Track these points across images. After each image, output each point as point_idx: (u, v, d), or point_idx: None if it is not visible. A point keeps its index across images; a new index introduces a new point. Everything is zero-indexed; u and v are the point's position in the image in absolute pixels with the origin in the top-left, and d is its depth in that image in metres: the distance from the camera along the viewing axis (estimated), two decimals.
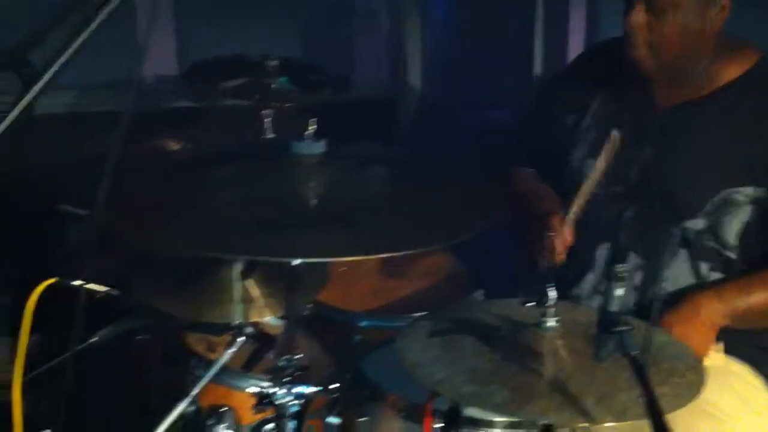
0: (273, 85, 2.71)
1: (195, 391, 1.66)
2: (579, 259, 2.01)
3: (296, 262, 1.48)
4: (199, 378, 1.71)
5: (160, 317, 1.79)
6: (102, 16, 1.48)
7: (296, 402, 1.54)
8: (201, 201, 1.53)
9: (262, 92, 2.71)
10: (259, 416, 1.76)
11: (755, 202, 1.90)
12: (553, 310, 1.51)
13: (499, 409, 1.41)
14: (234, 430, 1.74)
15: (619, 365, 1.45)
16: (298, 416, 1.52)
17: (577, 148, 2.08)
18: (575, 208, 1.86)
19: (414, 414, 1.74)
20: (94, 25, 1.46)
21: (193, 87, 3.03)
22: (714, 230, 1.91)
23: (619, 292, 1.33)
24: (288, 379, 1.49)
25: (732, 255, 1.94)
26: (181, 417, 1.71)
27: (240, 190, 1.53)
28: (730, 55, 1.95)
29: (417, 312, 1.94)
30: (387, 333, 1.94)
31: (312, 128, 1.50)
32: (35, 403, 1.70)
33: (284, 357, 1.47)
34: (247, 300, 1.63)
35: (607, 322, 1.33)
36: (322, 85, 2.78)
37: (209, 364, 1.73)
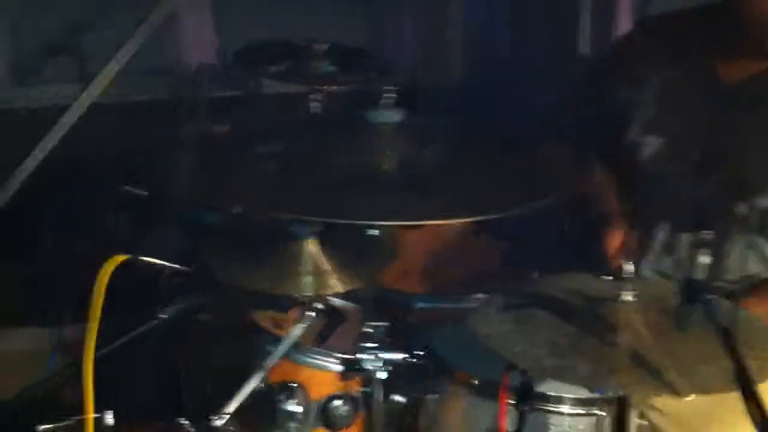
0: (319, 69, 2.71)
1: (268, 366, 1.67)
2: (638, 239, 2.00)
3: (373, 231, 1.47)
4: (269, 353, 1.72)
5: (226, 294, 1.79)
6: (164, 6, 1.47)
7: (384, 368, 1.53)
8: (280, 168, 1.53)
9: (309, 76, 2.71)
10: (328, 392, 1.77)
11: None
12: (629, 283, 1.51)
13: (582, 382, 1.41)
14: (303, 406, 1.74)
15: (699, 338, 1.46)
16: (387, 384, 1.51)
17: (634, 124, 2.06)
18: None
19: (483, 390, 1.76)
20: (156, 16, 1.46)
21: (238, 73, 3.04)
22: None
23: (705, 259, 1.32)
24: (375, 345, 1.48)
25: None
26: (251, 393, 1.72)
27: (315, 159, 1.53)
28: None
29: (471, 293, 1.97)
30: (442, 314, 1.95)
31: (389, 97, 1.50)
32: (100, 382, 1.70)
33: (370, 324, 1.46)
34: (319, 272, 1.63)
35: (692, 291, 1.33)
36: (368, 69, 2.78)
37: (277, 339, 1.74)
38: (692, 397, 1.35)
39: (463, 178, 1.52)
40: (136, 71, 3.22)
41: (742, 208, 1.92)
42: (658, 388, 1.36)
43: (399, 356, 1.51)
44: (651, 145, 1.99)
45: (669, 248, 1.97)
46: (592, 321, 1.50)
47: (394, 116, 1.53)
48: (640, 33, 2.27)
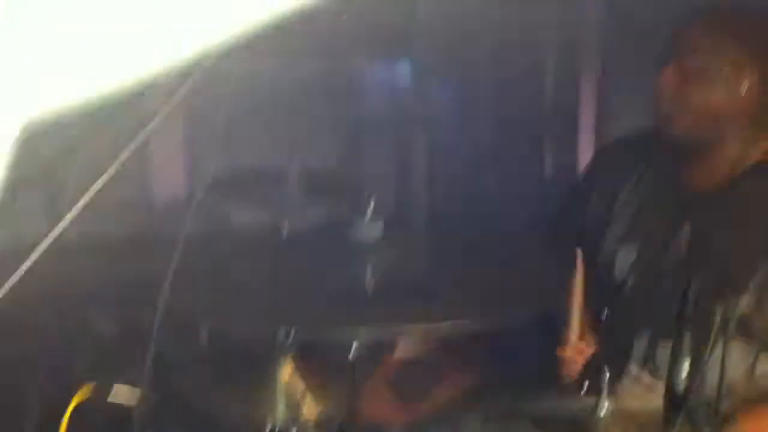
0: (290, 196, 2.75)
1: None
2: (618, 350, 1.99)
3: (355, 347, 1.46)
4: None
5: (202, 425, 1.75)
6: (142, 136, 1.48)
7: None
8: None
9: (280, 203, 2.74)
10: None
11: None
12: (606, 398, 1.50)
13: None
14: None
15: None
16: None
17: (608, 237, 2.08)
18: (574, 326, 1.86)
19: None
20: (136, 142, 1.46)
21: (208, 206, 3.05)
22: (763, 310, 1.88)
23: (686, 365, 1.32)
24: None
25: None
26: None
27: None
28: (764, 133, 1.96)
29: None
30: None
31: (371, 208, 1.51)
32: None
33: None
34: (295, 396, 1.59)
35: (676, 398, 1.31)
36: (341, 192, 2.81)
37: None
38: None
39: (447, 287, 1.52)
40: (105, 204, 3.20)
41: (718, 314, 1.93)
42: None
43: None
44: (626, 255, 2.01)
45: (649, 357, 1.97)
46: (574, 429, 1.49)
47: (375, 231, 1.54)
48: (603, 154, 2.34)
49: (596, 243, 2.09)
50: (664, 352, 1.96)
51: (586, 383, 1.49)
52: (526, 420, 1.55)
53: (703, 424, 1.28)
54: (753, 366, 1.87)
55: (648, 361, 1.99)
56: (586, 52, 3.09)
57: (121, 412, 1.80)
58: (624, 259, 2.03)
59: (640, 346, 2.00)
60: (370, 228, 1.55)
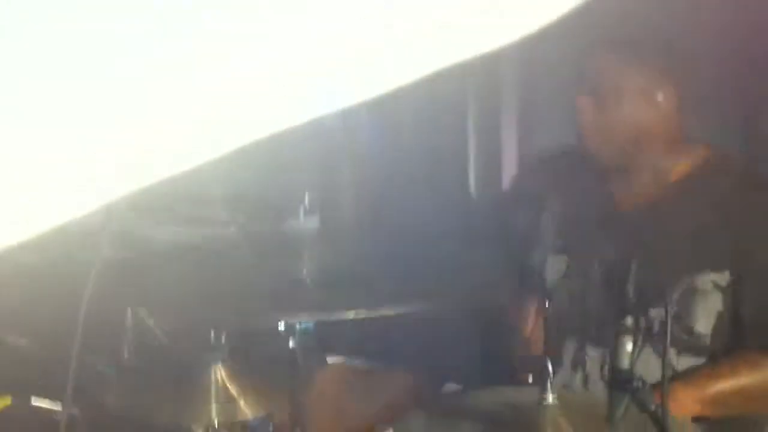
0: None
1: None
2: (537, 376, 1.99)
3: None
4: None
5: None
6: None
7: None
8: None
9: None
10: None
11: (720, 289, 1.93)
12: (551, 386, 1.48)
13: None
14: None
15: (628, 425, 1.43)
16: None
17: (538, 247, 2.11)
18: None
19: None
20: None
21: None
22: (681, 319, 1.92)
23: (629, 346, 1.31)
24: None
25: (703, 343, 1.95)
26: None
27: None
28: (685, 152, 2.02)
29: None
30: None
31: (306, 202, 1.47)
32: None
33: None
34: (228, 400, 1.53)
35: (620, 380, 1.31)
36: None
37: None
38: None
39: (385, 277, 1.49)
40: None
41: (640, 321, 1.95)
42: None
43: None
44: (554, 266, 2.02)
45: (577, 364, 1.98)
46: (520, 426, 1.47)
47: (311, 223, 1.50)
48: (528, 169, 2.37)
49: (526, 253, 2.12)
50: (591, 360, 2.00)
51: (531, 374, 1.47)
52: (473, 414, 1.51)
53: (648, 404, 1.27)
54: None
55: (577, 368, 2.00)
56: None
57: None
58: (553, 270, 2.05)
59: (569, 353, 2.02)
60: (305, 222, 1.51)
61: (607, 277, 2.00)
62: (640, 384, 1.29)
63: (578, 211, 2.08)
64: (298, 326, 1.37)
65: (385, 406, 1.97)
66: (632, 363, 1.32)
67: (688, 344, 1.92)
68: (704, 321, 1.92)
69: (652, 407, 1.26)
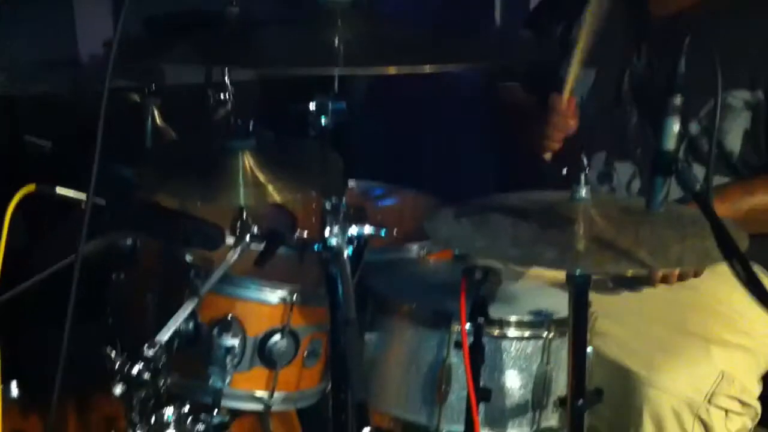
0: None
1: (201, 294, 1.53)
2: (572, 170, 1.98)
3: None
4: (197, 289, 1.57)
5: (151, 230, 1.65)
6: None
7: (351, 244, 1.39)
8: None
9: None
10: (265, 327, 1.63)
11: (751, 107, 1.91)
12: (584, 178, 1.46)
13: (552, 265, 1.34)
14: (239, 340, 1.60)
15: (663, 224, 1.42)
16: (356, 258, 1.37)
17: (565, 61, 2.05)
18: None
19: (427, 320, 1.67)
20: None
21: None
22: (711, 135, 1.90)
23: (676, 127, 1.27)
24: (340, 219, 1.34)
25: (732, 159, 1.93)
26: (184, 332, 1.57)
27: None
28: None
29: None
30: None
31: None
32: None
33: (331, 198, 1.32)
34: (256, 184, 1.51)
35: (663, 162, 1.27)
36: None
37: (208, 273, 1.60)
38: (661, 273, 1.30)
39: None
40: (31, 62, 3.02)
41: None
42: (630, 265, 1.31)
43: (366, 230, 1.38)
44: (584, 80, 1.99)
45: (605, 177, 1.96)
46: (551, 218, 1.45)
47: None
48: None
49: (555, 70, 2.06)
50: (618, 174, 1.99)
51: (565, 168, 1.44)
52: (501, 209, 1.49)
53: (693, 185, 1.24)
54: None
55: (604, 181, 1.99)
56: None
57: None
58: (582, 84, 2.01)
59: (597, 167, 1.99)
60: None
61: (637, 90, 1.96)
62: (685, 165, 1.26)
63: (609, 22, 1.97)
64: (330, 105, 1.33)
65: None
66: (678, 145, 1.28)
67: (718, 161, 1.90)
68: (733, 136, 1.90)
69: (697, 187, 1.23)
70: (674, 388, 1.76)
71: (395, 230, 1.47)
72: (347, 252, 1.31)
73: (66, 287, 1.46)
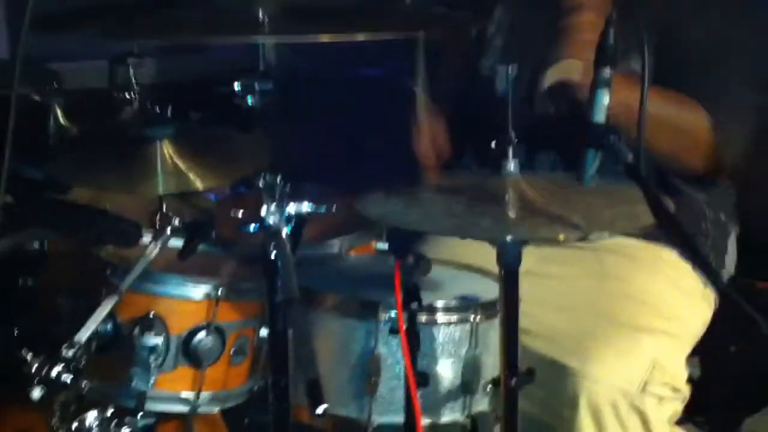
0: None
1: (122, 289, 1.45)
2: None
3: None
4: (116, 287, 1.50)
5: (64, 228, 1.56)
6: None
7: (290, 223, 1.34)
8: None
9: None
10: (190, 325, 1.57)
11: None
12: (512, 152, 1.46)
13: (487, 235, 1.33)
14: (162, 337, 1.53)
15: (593, 193, 1.43)
16: (294, 238, 1.32)
17: (484, 58, 2.06)
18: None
19: (354, 310, 1.63)
20: None
21: None
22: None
23: (606, 99, 1.28)
24: (278, 195, 1.29)
25: None
26: (104, 334, 1.49)
27: None
28: None
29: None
30: None
31: None
32: None
33: (265, 176, 1.28)
34: (176, 172, 1.45)
35: (595, 135, 1.28)
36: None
37: (126, 270, 1.52)
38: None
39: None
40: None
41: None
42: (563, 230, 1.32)
43: (304, 208, 1.33)
44: (506, 71, 1.99)
45: (526, 169, 1.97)
46: (482, 192, 1.44)
47: None
48: None
49: (475, 61, 2.07)
50: (540, 166, 1.99)
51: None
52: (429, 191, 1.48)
53: (625, 156, 1.25)
54: None
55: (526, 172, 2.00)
56: None
57: None
58: (504, 76, 2.01)
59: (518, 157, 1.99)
60: None
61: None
62: (615, 138, 1.27)
63: (527, 13, 2.02)
64: (257, 86, 1.29)
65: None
66: (607, 117, 1.29)
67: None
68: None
69: (629, 158, 1.24)
70: (609, 378, 1.76)
71: (334, 207, 1.43)
72: (285, 231, 1.26)
73: None
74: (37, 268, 1.70)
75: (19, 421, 1.59)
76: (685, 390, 1.88)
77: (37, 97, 2.04)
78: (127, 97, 1.96)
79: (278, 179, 1.27)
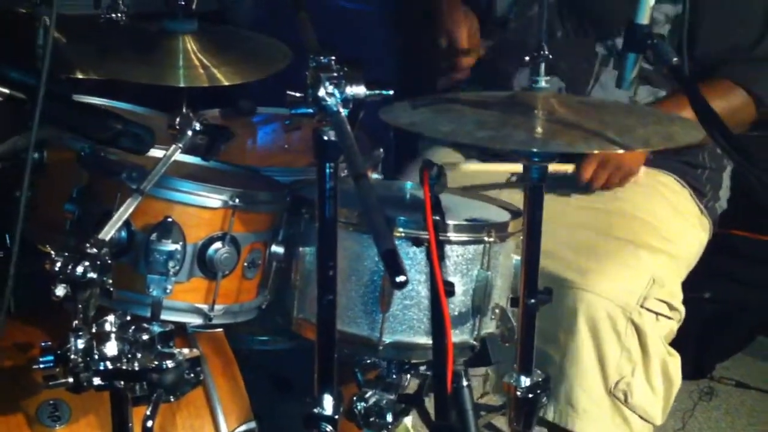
0: None
1: (144, 189, 1.40)
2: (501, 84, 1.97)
3: None
4: (134, 189, 1.44)
5: (75, 129, 1.50)
6: None
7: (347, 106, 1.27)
8: None
9: None
10: (205, 234, 1.53)
11: (670, 20, 1.93)
12: (544, 68, 1.45)
13: (522, 146, 1.32)
14: (180, 245, 1.48)
15: (626, 111, 1.44)
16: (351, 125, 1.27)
17: None
18: None
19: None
20: None
21: None
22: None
23: (651, 1, 1.27)
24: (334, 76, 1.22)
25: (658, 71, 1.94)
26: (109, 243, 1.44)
27: None
28: None
29: None
30: None
31: None
32: None
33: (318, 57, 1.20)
34: (198, 66, 1.41)
35: (637, 37, 1.27)
36: None
37: (142, 173, 1.47)
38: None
39: None
40: None
41: (599, 49, 1.96)
42: (601, 145, 1.31)
43: (361, 91, 1.27)
44: None
45: None
46: (512, 105, 1.43)
47: None
48: None
49: None
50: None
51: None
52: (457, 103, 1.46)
53: (669, 57, 1.25)
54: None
55: None
56: None
57: None
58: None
59: (522, 81, 1.98)
60: None
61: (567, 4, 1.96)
62: (659, 39, 1.26)
63: None
64: None
65: None
66: (651, 19, 1.28)
67: (647, 74, 1.91)
68: None
69: (674, 60, 1.23)
70: (609, 291, 1.78)
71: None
72: (344, 113, 1.20)
73: None
74: (36, 178, 1.63)
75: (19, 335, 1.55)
76: (681, 310, 1.91)
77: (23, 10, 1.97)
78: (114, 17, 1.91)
79: (332, 59, 1.20)
